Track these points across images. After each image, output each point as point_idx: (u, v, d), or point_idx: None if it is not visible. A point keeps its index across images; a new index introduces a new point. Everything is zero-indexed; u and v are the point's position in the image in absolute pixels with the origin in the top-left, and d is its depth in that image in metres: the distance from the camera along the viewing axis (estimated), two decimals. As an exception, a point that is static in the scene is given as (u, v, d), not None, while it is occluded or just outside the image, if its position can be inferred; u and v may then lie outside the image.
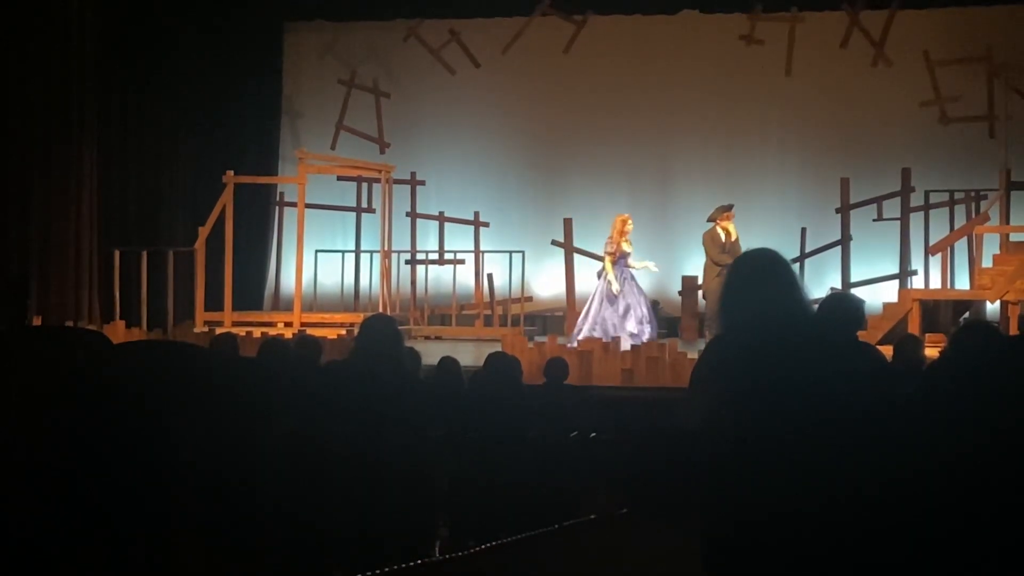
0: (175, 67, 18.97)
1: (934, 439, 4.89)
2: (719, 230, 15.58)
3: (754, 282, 4.53)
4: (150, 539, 5.70)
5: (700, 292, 15.40)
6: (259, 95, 20.78)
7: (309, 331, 15.10)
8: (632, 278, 15.40)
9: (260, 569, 6.29)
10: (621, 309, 15.23)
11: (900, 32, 19.25)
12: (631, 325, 15.11)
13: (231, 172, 17.36)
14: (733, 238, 15.46)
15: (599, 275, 15.65)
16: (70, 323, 14.90)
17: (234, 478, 5.96)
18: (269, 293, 20.56)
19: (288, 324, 16.86)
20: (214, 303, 17.20)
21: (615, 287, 15.17)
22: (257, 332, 15.75)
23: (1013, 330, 15.22)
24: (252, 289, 19.97)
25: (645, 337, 14.83)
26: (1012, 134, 17.91)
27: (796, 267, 4.30)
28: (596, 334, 14.89)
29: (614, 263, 15.27)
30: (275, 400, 6.79)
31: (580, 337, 14.98)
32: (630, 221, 15.52)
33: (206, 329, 16.16)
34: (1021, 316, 15.91)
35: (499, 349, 10.62)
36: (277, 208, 20.54)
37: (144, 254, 16.89)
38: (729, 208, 15.70)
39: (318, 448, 6.76)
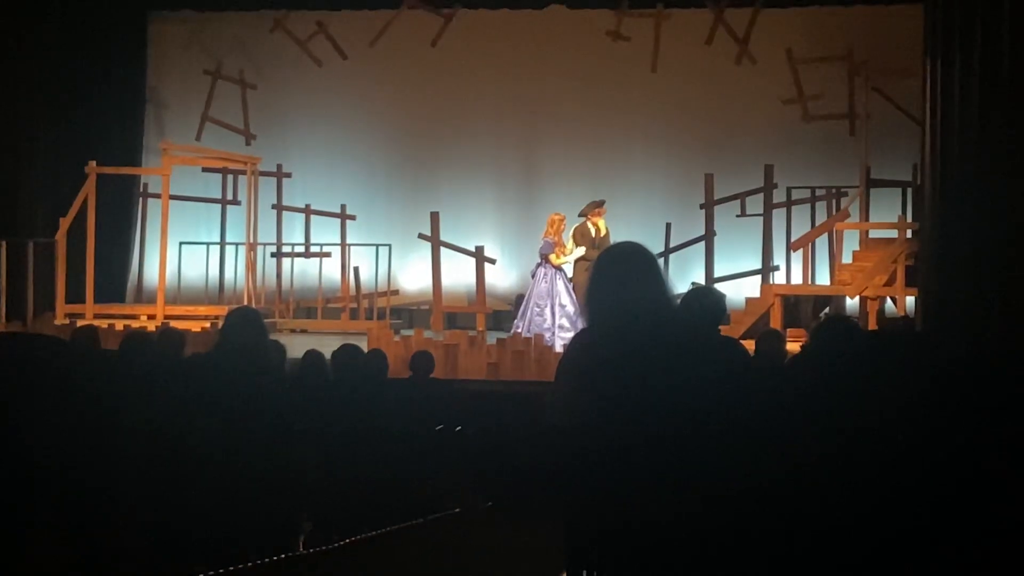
0: (35, 55, 18.61)
1: (794, 433, 4.95)
2: (589, 225, 15.66)
3: (619, 276, 4.55)
4: (2, 538, 5.60)
5: (571, 286, 15.49)
6: (123, 85, 20.46)
7: (172, 324, 14.90)
8: (561, 276, 15.54)
9: (119, 567, 6.21)
10: (554, 307, 15.37)
11: (764, 30, 19.52)
12: (565, 323, 15.24)
13: (93, 163, 17.11)
14: (603, 233, 15.56)
15: (533, 275, 15.80)
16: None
17: (92, 474, 5.88)
18: (132, 285, 20.28)
19: (151, 317, 16.66)
20: (75, 295, 16.92)
21: (570, 273, 15.53)
22: (119, 325, 15.58)
23: (872, 325, 15.52)
24: (114, 281, 19.69)
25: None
26: (872, 132, 18.18)
27: (661, 262, 4.33)
28: (531, 333, 15.00)
29: (547, 260, 15.48)
30: (136, 394, 6.71)
31: (515, 332, 15.14)
32: (565, 219, 15.71)
33: (67, 321, 15.94)
34: (880, 311, 16.22)
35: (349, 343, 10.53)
36: (141, 199, 20.27)
37: (3, 245, 16.56)
38: (601, 204, 15.80)
39: (179, 443, 6.68)
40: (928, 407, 5.12)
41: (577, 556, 4.53)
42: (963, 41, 13.60)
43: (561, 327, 15.25)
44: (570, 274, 15.59)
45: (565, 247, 15.61)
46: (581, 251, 15.45)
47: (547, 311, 15.41)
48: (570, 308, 15.36)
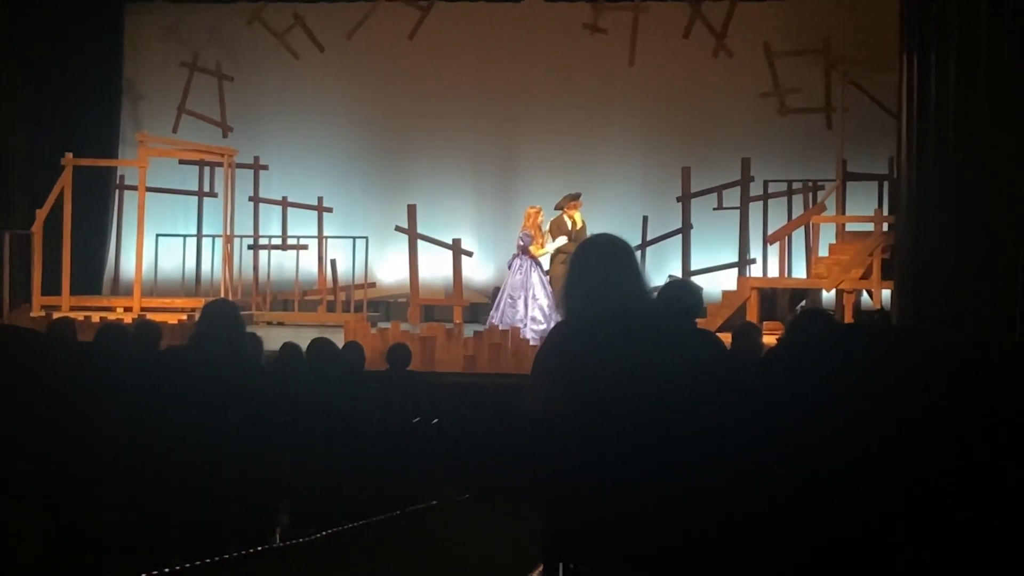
0: (11, 47, 18.54)
1: (771, 425, 4.96)
2: (566, 218, 15.70)
3: (596, 268, 4.55)
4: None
5: (547, 278, 15.53)
6: (99, 77, 20.37)
7: (149, 316, 14.90)
8: (536, 269, 15.58)
9: (95, 559, 6.20)
10: (527, 299, 15.40)
11: (741, 24, 19.58)
12: (538, 316, 15.27)
13: (70, 154, 17.05)
14: (579, 226, 15.58)
15: (509, 266, 15.85)
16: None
17: (70, 465, 5.87)
18: (108, 277, 20.24)
19: (127, 309, 16.62)
20: (52, 287, 16.86)
21: (546, 265, 15.60)
22: (96, 317, 15.55)
23: (848, 318, 15.56)
24: (91, 273, 19.63)
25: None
26: (849, 126, 18.23)
27: (638, 254, 4.34)
28: (504, 325, 15.03)
29: (524, 252, 15.52)
30: (112, 386, 6.69)
31: (490, 324, 15.19)
32: (542, 213, 15.73)
33: (43, 314, 15.90)
34: (856, 305, 16.27)
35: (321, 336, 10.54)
36: (117, 191, 20.22)
37: (-21, 237, 16.54)
38: (576, 197, 15.82)
39: (156, 435, 6.67)
40: (904, 400, 5.14)
41: (554, 547, 4.54)
42: (940, 35, 13.64)
43: (534, 319, 15.29)
44: (546, 267, 15.63)
45: (543, 239, 15.66)
46: (561, 242, 15.49)
47: (520, 303, 15.45)
48: (543, 301, 15.40)
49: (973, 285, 12.62)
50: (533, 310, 15.39)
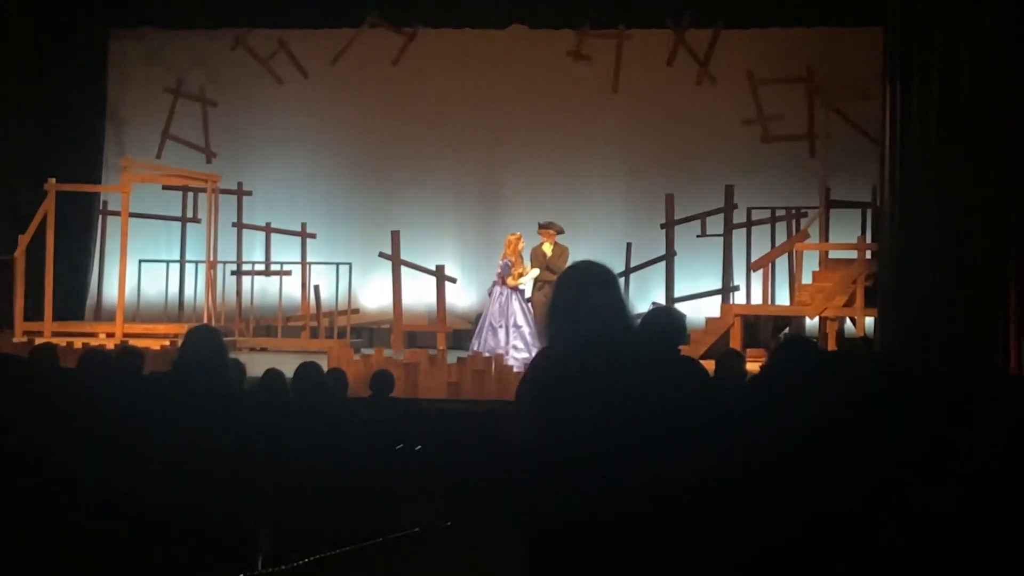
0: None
1: (754, 452, 4.96)
2: (544, 247, 15.79)
3: (578, 296, 4.55)
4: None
5: (528, 305, 15.57)
6: (83, 102, 20.37)
7: (132, 342, 14.86)
8: (517, 296, 15.59)
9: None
10: (508, 327, 15.41)
11: (724, 51, 19.65)
12: (519, 343, 15.28)
13: (53, 180, 17.02)
14: (549, 255, 15.67)
15: (489, 293, 15.86)
16: None
17: (50, 490, 5.85)
18: (91, 303, 20.20)
19: (110, 335, 16.58)
20: (34, 313, 16.82)
21: (528, 293, 15.64)
22: (78, 343, 15.48)
23: (831, 345, 15.57)
24: (74, 299, 19.61)
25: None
26: (832, 153, 18.30)
27: (621, 281, 4.33)
28: (485, 352, 15.03)
29: (503, 282, 15.53)
30: (94, 412, 6.68)
31: (472, 351, 15.18)
32: (523, 240, 15.79)
33: (25, 339, 15.85)
34: (839, 332, 16.29)
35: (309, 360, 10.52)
36: (100, 217, 20.21)
37: (-39, 263, 16.50)
38: (548, 226, 15.91)
39: (138, 461, 6.65)
40: (887, 427, 5.15)
41: (536, 573, 4.53)
42: (922, 63, 13.69)
43: (515, 347, 15.30)
44: (528, 294, 15.66)
45: (523, 267, 15.69)
46: (535, 273, 15.58)
47: (500, 331, 15.46)
48: (525, 328, 15.41)
49: (956, 312, 12.65)
50: (515, 339, 15.40)
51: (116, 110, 21.04)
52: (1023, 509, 4.79)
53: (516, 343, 15.35)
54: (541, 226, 15.95)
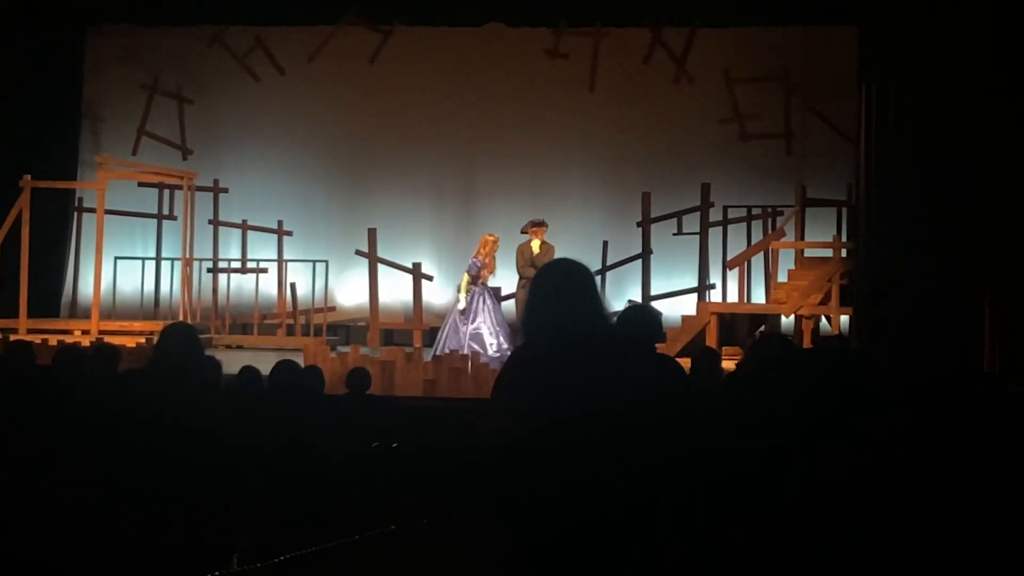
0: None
1: (730, 449, 4.98)
2: (532, 244, 15.75)
3: (555, 293, 4.56)
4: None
5: (499, 304, 15.58)
6: (59, 99, 20.28)
7: (107, 339, 14.82)
8: (487, 295, 15.56)
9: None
10: (478, 327, 15.38)
11: (701, 50, 19.66)
12: (492, 342, 15.25)
13: (28, 176, 16.99)
14: (537, 252, 15.60)
15: (458, 290, 15.80)
16: None
17: (23, 489, 5.83)
18: (66, 301, 20.14)
19: (85, 332, 16.56)
20: (9, 310, 16.78)
21: (461, 304, 15.36)
22: (53, 340, 15.44)
23: (807, 343, 15.62)
24: (49, 296, 19.54)
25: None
26: (808, 152, 18.34)
27: (598, 279, 4.34)
28: (446, 349, 15.00)
29: (474, 282, 15.46)
30: (69, 409, 6.66)
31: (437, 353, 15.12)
32: (499, 242, 15.78)
33: (0, 337, 15.79)
34: (814, 330, 16.34)
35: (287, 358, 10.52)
36: (76, 214, 20.15)
37: (-65, 259, 16.45)
38: (539, 224, 15.86)
39: (114, 458, 6.64)
40: (861, 424, 5.16)
41: (516, 569, 4.53)
42: (898, 63, 13.75)
43: (490, 345, 15.26)
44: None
45: (493, 268, 15.68)
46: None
47: (462, 328, 15.42)
48: (483, 328, 15.37)
49: (931, 311, 12.70)
50: (489, 337, 15.36)
51: (92, 107, 20.96)
52: (996, 505, 4.80)
53: (491, 341, 15.31)
54: (534, 223, 15.86)
